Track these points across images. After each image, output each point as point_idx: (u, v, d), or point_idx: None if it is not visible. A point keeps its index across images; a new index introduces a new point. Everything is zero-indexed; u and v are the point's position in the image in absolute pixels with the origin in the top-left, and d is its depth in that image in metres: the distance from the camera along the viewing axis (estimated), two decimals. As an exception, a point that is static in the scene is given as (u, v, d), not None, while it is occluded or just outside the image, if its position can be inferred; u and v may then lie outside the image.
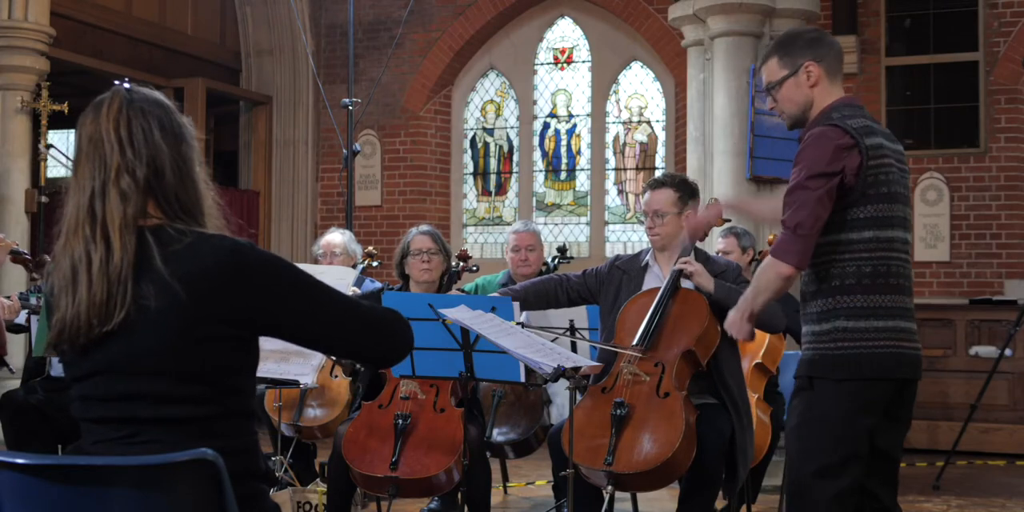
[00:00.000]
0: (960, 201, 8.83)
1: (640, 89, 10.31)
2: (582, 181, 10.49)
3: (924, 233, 8.81)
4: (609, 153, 10.39)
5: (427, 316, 3.83)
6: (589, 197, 10.44)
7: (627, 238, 10.31)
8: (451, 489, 4.20)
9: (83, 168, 2.01)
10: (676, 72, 9.48)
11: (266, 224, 10.71)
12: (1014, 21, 8.79)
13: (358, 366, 4.76)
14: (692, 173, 6.87)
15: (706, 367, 4.01)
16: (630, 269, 4.29)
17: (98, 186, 1.99)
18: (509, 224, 9.96)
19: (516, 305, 3.94)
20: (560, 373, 3.49)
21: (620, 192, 10.39)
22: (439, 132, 10.71)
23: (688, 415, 3.79)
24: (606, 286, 4.28)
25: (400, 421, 4.16)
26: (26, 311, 5.04)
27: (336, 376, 5.24)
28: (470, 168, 10.84)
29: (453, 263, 4.91)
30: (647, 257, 4.30)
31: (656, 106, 10.24)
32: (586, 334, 4.47)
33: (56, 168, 9.88)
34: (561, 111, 10.55)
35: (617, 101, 10.36)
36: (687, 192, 4.23)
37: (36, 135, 8.47)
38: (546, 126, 10.60)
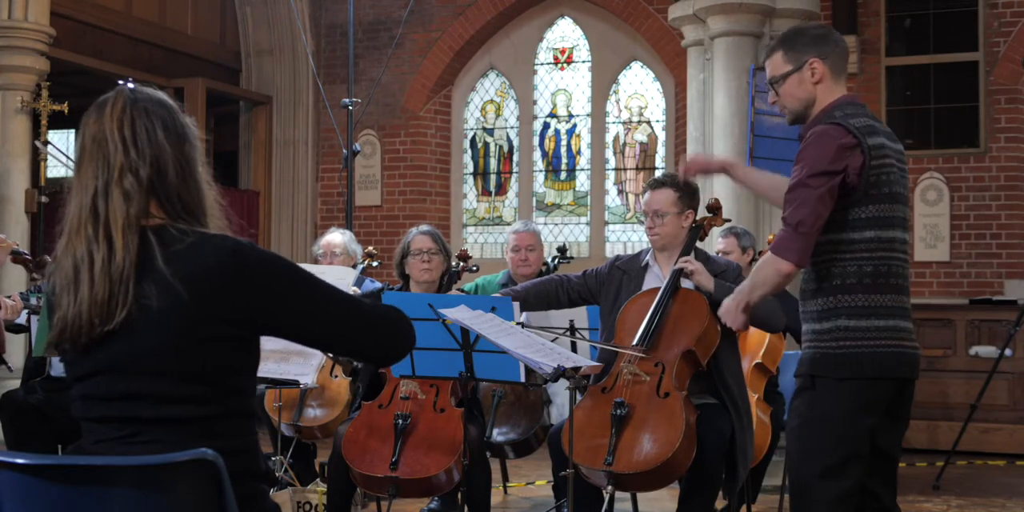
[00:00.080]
0: (960, 201, 8.83)
1: (640, 89, 10.31)
2: (582, 181, 10.49)
3: (924, 233, 8.81)
4: (609, 153, 10.38)
5: (427, 316, 3.83)
6: (589, 197, 10.44)
7: (627, 238, 10.31)
8: (451, 489, 4.20)
9: (86, 168, 2.01)
10: (676, 72, 9.48)
11: (266, 224, 10.71)
12: (1014, 21, 8.79)
13: (356, 364, 4.76)
14: (692, 173, 6.86)
15: (706, 367, 4.01)
16: (630, 269, 4.29)
17: (101, 186, 1.99)
18: (509, 224, 9.95)
19: (516, 305, 3.94)
20: (560, 373, 3.49)
21: (620, 192, 10.39)
22: (439, 132, 10.71)
23: (688, 415, 3.79)
24: (606, 286, 4.28)
25: (400, 421, 4.16)
26: (26, 311, 5.04)
27: (336, 376, 5.24)
28: (470, 168, 10.83)
29: (453, 263, 4.91)
30: (647, 257, 4.30)
31: (656, 106, 10.24)
32: (586, 334, 4.47)
33: (56, 168, 9.88)
34: (561, 111, 10.55)
35: (617, 101, 10.36)
36: (687, 192, 4.23)
37: (36, 135, 8.47)
38: (546, 126, 10.60)
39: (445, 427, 4.18)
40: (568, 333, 4.45)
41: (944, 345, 7.88)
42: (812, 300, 3.05)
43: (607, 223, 10.39)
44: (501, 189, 10.76)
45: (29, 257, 5.29)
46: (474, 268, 5.13)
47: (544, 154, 10.59)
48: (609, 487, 3.74)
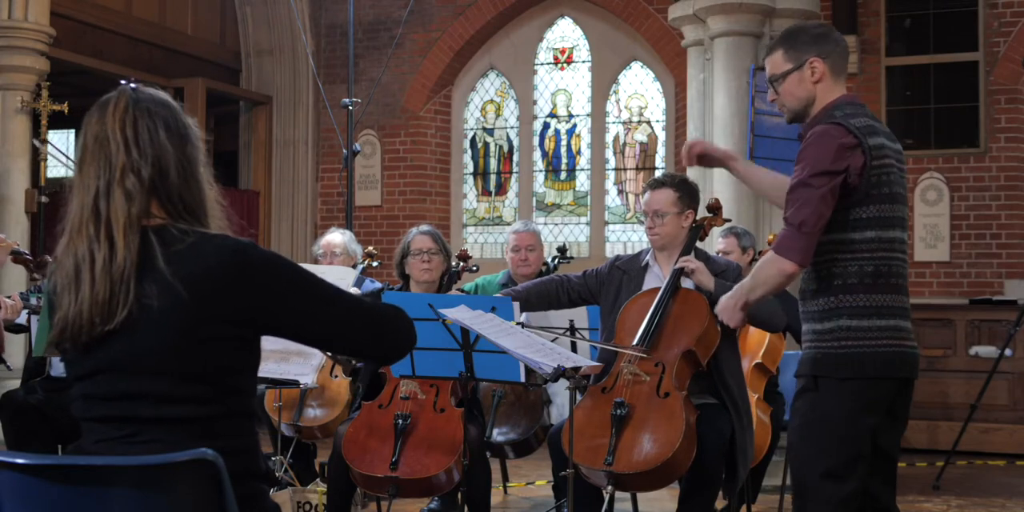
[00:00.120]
0: (960, 201, 8.83)
1: (640, 89, 10.31)
2: (582, 181, 10.49)
3: (924, 233, 8.81)
4: (609, 153, 10.38)
5: (427, 316, 3.83)
6: (589, 197, 10.44)
7: (627, 238, 10.31)
8: (451, 489, 4.20)
9: (88, 167, 2.01)
10: (676, 72, 9.48)
11: (266, 224, 10.71)
12: (1014, 21, 8.79)
13: (356, 364, 4.76)
14: (692, 173, 6.87)
15: (706, 367, 4.01)
16: (630, 269, 4.29)
17: (103, 185, 1.99)
18: (509, 224, 9.95)
19: (516, 305, 3.94)
20: (560, 373, 3.49)
21: (620, 192, 10.39)
22: (439, 132, 10.71)
23: (688, 415, 3.79)
24: (606, 286, 4.28)
25: (400, 421, 4.16)
26: (26, 311, 5.04)
27: (336, 376, 5.24)
28: (470, 168, 10.83)
29: (453, 263, 4.92)
30: (647, 257, 4.30)
31: (656, 106, 10.24)
32: (586, 334, 4.47)
33: (56, 168, 9.88)
34: (561, 111, 10.55)
35: (617, 101, 10.36)
36: (687, 192, 4.23)
37: (36, 135, 8.47)
38: (546, 126, 10.60)
39: (445, 427, 4.18)
40: (568, 333, 4.45)
41: (944, 345, 7.88)
42: (813, 300, 3.05)
43: (607, 223, 10.39)
44: (501, 189, 10.76)
45: (29, 257, 5.29)
46: (474, 268, 5.13)
47: (544, 154, 10.59)
48: (609, 487, 3.74)
